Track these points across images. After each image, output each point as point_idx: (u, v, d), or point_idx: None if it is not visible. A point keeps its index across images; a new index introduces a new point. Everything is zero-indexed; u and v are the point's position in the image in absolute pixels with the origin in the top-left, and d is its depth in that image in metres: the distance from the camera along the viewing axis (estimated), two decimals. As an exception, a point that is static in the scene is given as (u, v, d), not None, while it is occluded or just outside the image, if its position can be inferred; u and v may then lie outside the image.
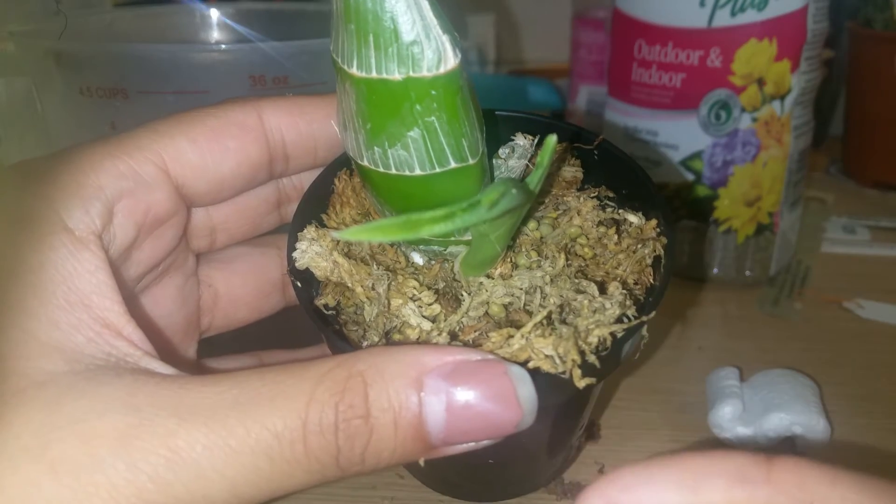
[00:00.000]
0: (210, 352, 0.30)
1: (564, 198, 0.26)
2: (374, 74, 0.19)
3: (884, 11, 0.58)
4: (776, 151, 0.42)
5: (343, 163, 0.27)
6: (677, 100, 0.43)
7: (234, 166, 0.25)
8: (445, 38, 0.19)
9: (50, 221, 0.20)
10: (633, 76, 0.44)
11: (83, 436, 0.17)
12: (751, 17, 0.40)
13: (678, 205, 0.45)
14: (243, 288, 0.30)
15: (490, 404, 0.19)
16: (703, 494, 0.15)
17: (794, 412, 0.31)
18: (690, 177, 0.44)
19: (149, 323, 0.26)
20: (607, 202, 0.27)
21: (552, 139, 0.20)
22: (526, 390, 0.19)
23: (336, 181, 0.26)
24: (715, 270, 0.45)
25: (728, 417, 0.32)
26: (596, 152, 0.27)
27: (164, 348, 0.21)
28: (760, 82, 0.41)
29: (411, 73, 0.19)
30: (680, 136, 0.44)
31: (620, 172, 0.27)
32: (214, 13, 0.46)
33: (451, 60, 0.19)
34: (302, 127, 0.26)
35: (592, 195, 0.26)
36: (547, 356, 0.20)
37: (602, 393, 0.35)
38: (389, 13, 0.18)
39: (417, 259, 0.25)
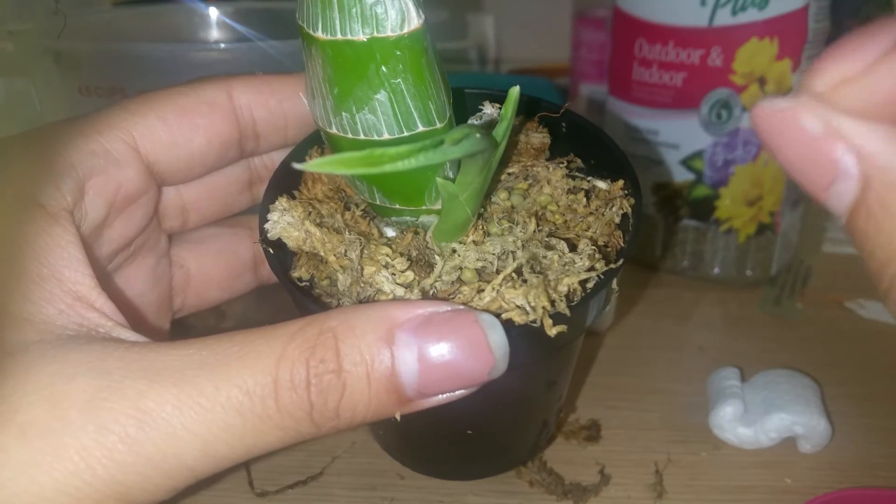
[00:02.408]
0: (193, 331, 0.30)
1: (534, 168, 0.27)
2: (338, 36, 0.19)
3: (885, 11, 0.58)
4: (777, 151, 0.42)
5: (313, 141, 0.27)
6: (678, 99, 0.43)
7: (204, 144, 0.25)
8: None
9: (21, 198, 0.21)
10: (634, 75, 0.44)
11: (52, 400, 0.17)
12: (752, 16, 0.40)
13: (679, 204, 0.45)
14: (215, 268, 0.30)
15: (462, 353, 0.19)
16: None
17: (795, 412, 0.31)
18: (691, 176, 0.44)
19: (122, 302, 0.26)
20: (576, 172, 0.27)
21: (515, 90, 0.20)
22: (497, 336, 0.19)
23: (307, 157, 0.26)
24: (716, 270, 0.45)
25: (729, 418, 0.32)
26: (564, 124, 0.28)
27: (137, 326, 0.21)
28: (761, 81, 0.41)
29: (375, 34, 0.19)
30: (681, 136, 0.43)
31: (589, 142, 0.27)
32: (214, 12, 0.46)
33: (415, 20, 0.19)
34: (272, 105, 0.26)
35: (562, 164, 0.27)
36: (518, 306, 0.20)
37: (602, 393, 0.35)
38: None
39: (390, 232, 0.25)
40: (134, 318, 0.27)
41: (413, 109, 0.21)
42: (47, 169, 0.21)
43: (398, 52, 0.20)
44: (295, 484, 0.30)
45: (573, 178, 0.26)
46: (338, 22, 0.19)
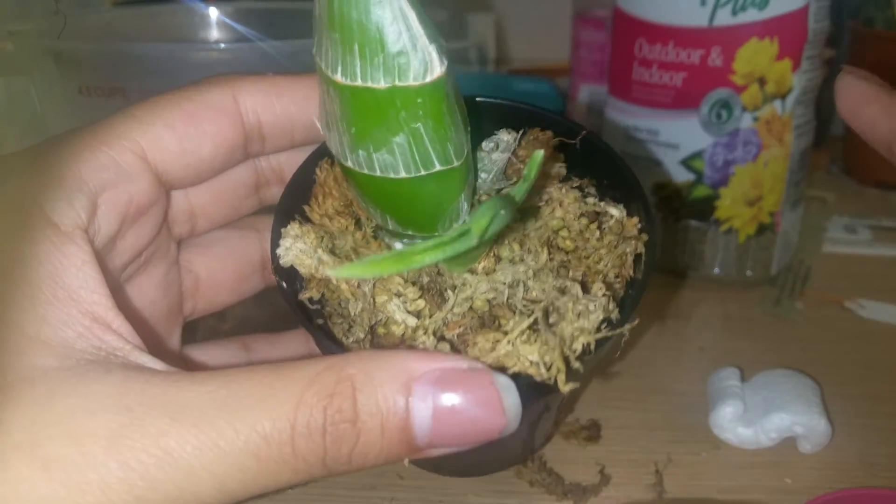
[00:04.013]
0: (194, 331, 0.30)
1: (546, 188, 0.26)
2: (359, 83, 0.19)
3: (885, 11, 0.58)
4: (777, 151, 0.42)
5: (325, 152, 0.26)
6: (678, 99, 0.43)
7: (212, 149, 0.25)
8: (432, 48, 0.19)
9: (34, 216, 0.20)
10: (634, 75, 0.44)
11: (75, 434, 0.18)
12: (752, 16, 0.40)
13: (678, 205, 0.45)
14: (224, 272, 0.30)
15: (475, 412, 0.19)
16: None
17: (795, 412, 0.31)
18: (691, 176, 0.44)
19: (134, 313, 0.26)
20: (589, 193, 0.27)
21: (539, 154, 0.21)
22: (511, 400, 0.19)
23: (318, 171, 0.26)
24: (716, 270, 0.45)
25: (729, 418, 0.32)
26: (578, 144, 0.27)
27: (149, 337, 0.21)
28: (761, 81, 0.41)
29: (397, 83, 0.19)
30: (681, 136, 0.43)
31: (602, 162, 0.27)
32: (214, 12, 0.46)
33: (438, 69, 0.19)
34: (278, 108, 0.26)
35: (574, 185, 0.27)
36: (532, 363, 0.21)
37: (602, 393, 0.35)
38: (375, 24, 0.18)
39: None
40: (147, 327, 0.27)
41: (431, 151, 0.20)
42: (59, 185, 0.21)
43: (419, 100, 0.19)
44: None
45: (585, 200, 0.26)
46: (359, 69, 0.19)
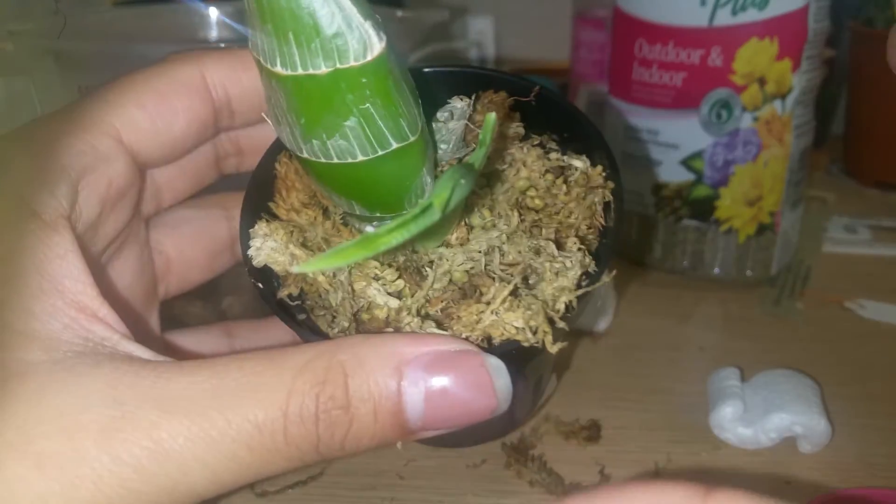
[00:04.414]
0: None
1: (508, 150, 0.26)
2: (299, 71, 0.18)
3: (885, 11, 0.58)
4: (777, 151, 0.42)
5: (282, 146, 0.26)
6: (678, 99, 0.43)
7: (184, 126, 0.25)
8: (368, 25, 0.18)
9: (16, 208, 0.20)
10: (634, 75, 0.44)
11: (67, 430, 0.18)
12: (752, 16, 0.40)
13: (679, 204, 0.45)
14: (193, 251, 0.30)
15: (467, 394, 0.19)
16: None
17: (795, 412, 0.31)
18: (691, 176, 0.44)
19: (116, 298, 0.26)
20: (550, 148, 0.27)
21: (492, 117, 0.20)
22: (502, 381, 0.20)
23: (277, 166, 0.26)
24: (716, 270, 0.45)
25: (729, 418, 0.32)
26: (533, 101, 0.27)
27: (132, 322, 0.21)
28: (761, 81, 0.41)
29: (338, 65, 0.18)
30: (681, 136, 0.43)
31: (559, 117, 0.27)
32: (214, 12, 0.46)
33: (377, 46, 0.19)
34: (245, 82, 0.26)
35: (535, 143, 0.26)
36: (518, 329, 0.21)
37: (602, 393, 0.35)
38: (306, 9, 0.18)
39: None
40: (128, 312, 0.27)
41: (385, 129, 0.20)
42: (39, 174, 0.21)
43: (364, 80, 0.19)
44: (295, 484, 0.30)
45: (548, 156, 0.26)
46: (297, 57, 0.18)
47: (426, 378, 0.19)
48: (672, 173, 0.44)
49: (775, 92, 0.41)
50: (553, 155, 0.26)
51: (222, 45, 0.42)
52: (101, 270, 0.26)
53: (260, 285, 0.23)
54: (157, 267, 0.29)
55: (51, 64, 0.36)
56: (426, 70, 0.27)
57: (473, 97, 0.26)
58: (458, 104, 0.26)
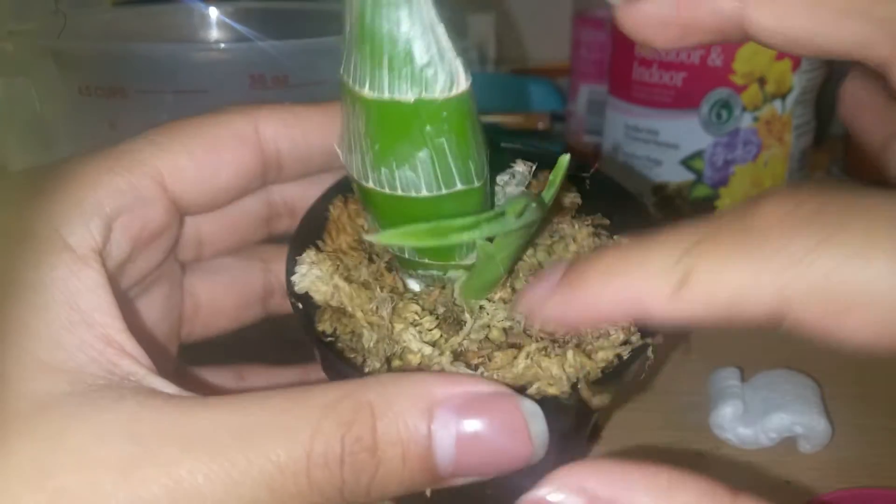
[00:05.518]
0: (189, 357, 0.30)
1: (560, 225, 0.26)
2: (385, 95, 0.19)
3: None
4: (777, 151, 0.42)
5: (337, 190, 0.27)
6: (678, 99, 0.43)
7: (231, 177, 0.25)
8: (458, 62, 0.19)
9: (50, 239, 0.20)
10: (634, 75, 0.44)
11: (85, 465, 0.17)
12: (752, 15, 0.40)
13: (679, 204, 0.45)
14: (225, 299, 0.30)
15: (500, 439, 0.18)
16: (676, 502, 0.16)
17: (795, 412, 0.31)
18: (691, 176, 0.44)
19: (140, 334, 0.26)
20: (601, 227, 0.27)
21: (565, 158, 0.21)
22: (538, 426, 0.19)
23: (331, 208, 0.26)
24: (716, 270, 0.45)
25: (729, 418, 0.32)
26: (588, 182, 0.27)
27: (154, 359, 0.21)
28: (761, 81, 0.41)
29: (423, 95, 0.19)
30: (681, 136, 0.43)
31: (614, 199, 0.27)
32: (214, 12, 0.46)
33: (463, 84, 0.19)
34: (297, 137, 0.26)
35: (587, 223, 0.27)
36: (555, 377, 0.20)
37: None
38: (405, 35, 0.18)
39: (414, 285, 0.25)
40: (149, 349, 0.27)
41: (453, 168, 0.21)
42: (76, 208, 0.21)
43: (444, 114, 0.20)
44: None
45: (598, 236, 0.26)
46: (386, 82, 0.19)
47: (458, 421, 0.18)
48: (672, 173, 0.44)
49: (775, 92, 0.41)
50: (603, 234, 0.26)
51: (222, 45, 0.42)
52: (128, 307, 0.25)
53: (300, 305, 0.23)
54: (186, 309, 0.29)
55: (51, 64, 0.36)
56: (502, 145, 0.27)
57: (535, 165, 0.26)
58: (521, 168, 0.26)
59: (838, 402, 0.33)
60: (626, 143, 0.46)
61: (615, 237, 0.26)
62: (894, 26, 0.18)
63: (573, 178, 0.28)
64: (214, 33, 0.47)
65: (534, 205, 0.19)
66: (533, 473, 0.20)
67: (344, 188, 0.27)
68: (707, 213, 0.43)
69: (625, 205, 0.27)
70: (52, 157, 0.44)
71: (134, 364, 0.20)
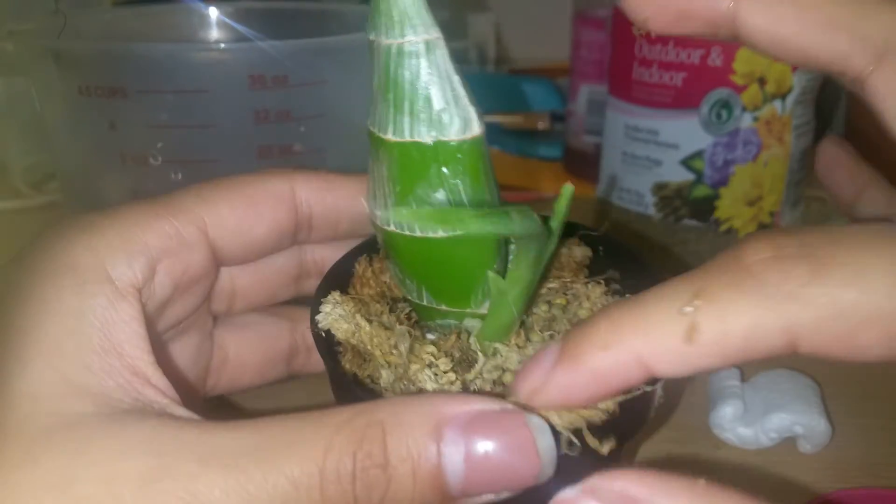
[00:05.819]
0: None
1: (573, 284, 0.27)
2: (406, 138, 0.21)
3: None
4: (777, 151, 0.42)
5: (362, 250, 0.28)
6: (678, 99, 0.43)
7: (266, 231, 0.27)
8: (472, 109, 0.21)
9: (94, 271, 0.22)
10: (634, 75, 0.44)
11: (106, 476, 0.18)
12: (752, 15, 0.40)
13: (679, 204, 0.45)
14: (252, 354, 0.31)
15: (509, 455, 0.18)
16: None
17: (795, 412, 0.31)
18: (691, 176, 0.44)
19: (168, 373, 0.27)
20: (614, 287, 0.27)
21: (569, 187, 0.22)
22: (545, 441, 0.19)
23: (357, 265, 0.28)
24: (716, 270, 0.45)
25: (729, 418, 0.32)
26: (601, 247, 0.29)
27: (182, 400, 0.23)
28: (762, 81, 0.41)
29: (440, 137, 0.21)
30: (681, 135, 0.43)
31: (625, 261, 0.28)
32: (214, 12, 0.46)
33: (476, 128, 0.21)
34: (329, 201, 0.28)
35: (600, 283, 0.27)
36: (556, 424, 0.20)
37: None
38: (425, 83, 0.21)
39: (431, 337, 0.25)
40: (175, 387, 0.28)
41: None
42: (121, 246, 0.23)
43: (459, 156, 0.21)
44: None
45: (612, 295, 0.27)
46: (407, 125, 0.21)
47: (467, 438, 0.18)
48: (672, 173, 0.44)
49: (775, 92, 0.41)
50: (616, 296, 0.27)
51: (222, 45, 0.42)
52: (161, 347, 0.27)
53: (322, 334, 0.24)
54: (214, 361, 0.30)
55: (51, 64, 0.36)
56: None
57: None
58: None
59: (838, 402, 0.33)
60: (626, 143, 0.46)
61: (628, 295, 0.26)
62: (874, 43, 0.19)
63: (585, 238, 0.29)
64: (214, 33, 0.47)
65: (535, 216, 0.20)
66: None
67: (369, 248, 0.28)
68: (707, 213, 0.43)
69: (635, 264, 0.28)
70: (52, 158, 0.44)
71: (159, 395, 0.21)
